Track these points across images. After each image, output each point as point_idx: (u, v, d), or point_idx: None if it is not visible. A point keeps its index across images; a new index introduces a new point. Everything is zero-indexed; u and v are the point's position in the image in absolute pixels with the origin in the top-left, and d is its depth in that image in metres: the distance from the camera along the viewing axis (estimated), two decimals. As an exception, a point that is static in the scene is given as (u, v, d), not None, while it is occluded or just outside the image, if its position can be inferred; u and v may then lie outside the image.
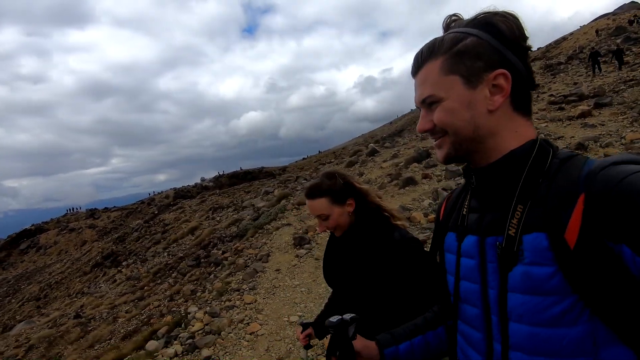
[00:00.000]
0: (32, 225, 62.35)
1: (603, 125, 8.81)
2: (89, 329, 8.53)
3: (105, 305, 10.07)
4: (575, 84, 15.75)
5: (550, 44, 50.78)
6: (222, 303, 5.99)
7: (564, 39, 45.80)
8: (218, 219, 16.22)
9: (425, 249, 1.34)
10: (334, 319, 0.87)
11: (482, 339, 0.72)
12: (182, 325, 5.71)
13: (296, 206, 9.81)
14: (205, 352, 4.64)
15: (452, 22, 0.76)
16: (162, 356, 4.95)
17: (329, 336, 0.88)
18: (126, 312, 8.65)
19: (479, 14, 0.71)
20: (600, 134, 8.28)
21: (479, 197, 0.76)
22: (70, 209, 72.00)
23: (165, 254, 15.12)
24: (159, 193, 73.75)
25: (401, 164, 10.41)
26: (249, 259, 7.55)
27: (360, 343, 0.90)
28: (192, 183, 71.67)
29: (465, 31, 0.70)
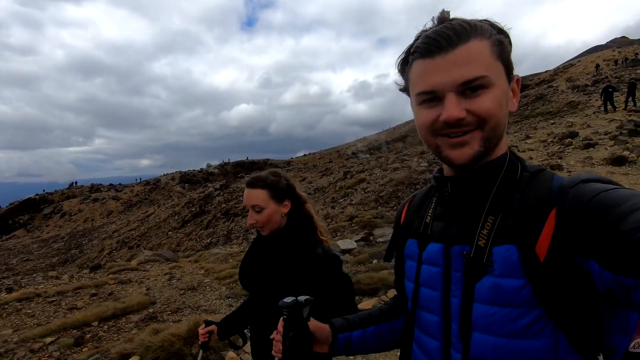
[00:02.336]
0: (37, 194, 64.39)
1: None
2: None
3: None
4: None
5: (558, 68, 52.54)
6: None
7: (571, 65, 47.64)
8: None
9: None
10: (288, 299, 0.83)
11: (439, 347, 0.71)
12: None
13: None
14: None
15: (447, 16, 0.67)
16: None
17: (281, 318, 0.84)
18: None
19: (488, 20, 0.67)
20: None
21: (448, 205, 0.75)
22: (73, 183, 73.34)
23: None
24: (163, 175, 75.14)
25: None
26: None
27: (314, 324, 0.85)
28: (175, 170, 73.34)
29: (492, 25, 0.66)
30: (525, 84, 47.39)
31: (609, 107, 16.56)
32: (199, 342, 1.55)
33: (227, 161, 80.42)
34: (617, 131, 11.80)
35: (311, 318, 0.86)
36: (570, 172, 8.90)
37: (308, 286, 1.22)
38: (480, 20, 0.66)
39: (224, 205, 25.19)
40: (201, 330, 1.53)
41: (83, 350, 4.36)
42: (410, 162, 15.42)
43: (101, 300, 6.46)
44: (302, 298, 0.84)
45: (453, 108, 0.61)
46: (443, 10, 0.68)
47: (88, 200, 54.61)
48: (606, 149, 10.54)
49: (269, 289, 1.31)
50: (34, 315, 5.92)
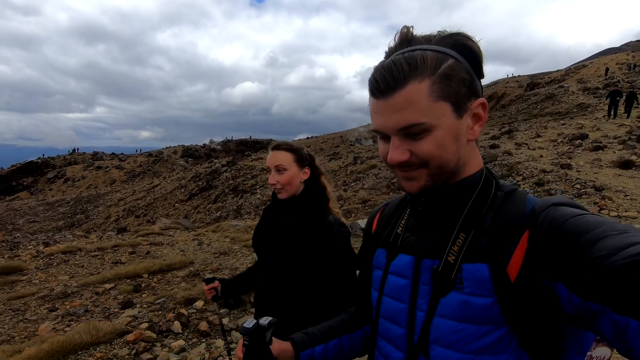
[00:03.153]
0: (39, 158, 64.81)
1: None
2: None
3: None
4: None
5: (569, 68, 52.35)
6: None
7: (583, 66, 47.47)
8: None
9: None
10: (249, 324, 0.79)
11: (403, 358, 0.71)
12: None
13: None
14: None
15: (410, 35, 0.67)
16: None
17: (240, 340, 0.79)
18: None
19: (446, 33, 0.65)
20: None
21: (420, 219, 0.74)
22: (75, 149, 73.56)
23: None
24: (166, 148, 75.37)
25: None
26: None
27: (276, 346, 0.82)
28: (177, 144, 73.74)
29: (445, 51, 0.63)
30: (536, 82, 47.27)
31: (613, 112, 16.61)
32: (209, 298, 1.66)
33: (230, 138, 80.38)
34: (626, 136, 12.21)
35: (273, 339, 0.83)
36: (579, 172, 9.37)
37: (318, 251, 1.31)
38: (440, 36, 0.65)
39: (231, 181, 25.68)
40: (205, 287, 1.63)
41: (142, 295, 4.90)
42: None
43: (140, 257, 6.99)
44: (264, 321, 0.80)
45: (394, 152, 0.64)
46: (404, 27, 0.67)
47: (91, 168, 55.02)
48: (614, 152, 10.98)
49: (281, 252, 1.38)
50: (83, 266, 6.46)
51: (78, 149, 76.56)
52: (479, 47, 0.65)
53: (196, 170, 34.07)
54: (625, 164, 9.50)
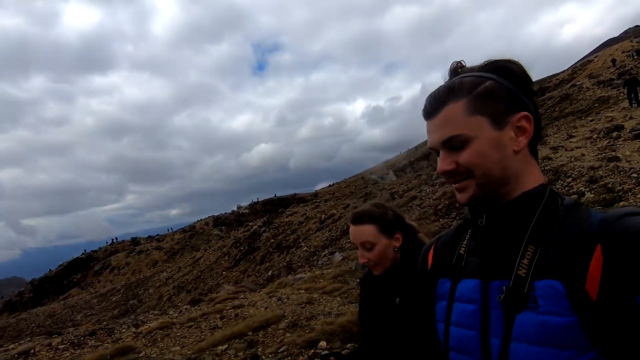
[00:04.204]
0: (82, 254, 68.31)
1: None
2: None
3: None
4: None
5: (575, 66, 52.66)
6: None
7: (589, 61, 47.75)
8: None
9: None
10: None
11: None
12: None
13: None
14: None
15: (459, 67, 0.76)
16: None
17: None
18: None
19: (491, 61, 0.73)
20: None
21: (483, 239, 0.73)
22: (114, 239, 77.07)
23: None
24: (197, 221, 78.14)
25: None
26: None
27: None
28: (207, 215, 76.14)
29: (483, 75, 0.71)
30: (545, 86, 47.47)
31: (635, 101, 16.26)
32: None
33: (256, 200, 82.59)
34: (662, 118, 12.19)
35: None
36: (629, 161, 9.38)
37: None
38: (483, 64, 0.74)
39: (272, 240, 26.27)
40: None
41: (258, 350, 5.23)
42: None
43: (232, 320, 7.36)
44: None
45: (442, 162, 0.71)
46: (454, 62, 0.77)
47: (133, 253, 57.36)
48: (657, 136, 10.96)
49: (392, 328, 1.22)
50: (185, 336, 6.88)
51: (117, 238, 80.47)
52: (520, 67, 0.72)
53: (235, 236, 35.06)
54: (674, 145, 9.46)
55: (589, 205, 8.42)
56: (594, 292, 0.56)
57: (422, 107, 0.75)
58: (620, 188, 8.17)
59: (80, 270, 58.62)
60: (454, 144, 0.69)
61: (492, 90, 0.70)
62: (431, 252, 0.88)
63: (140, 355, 6.22)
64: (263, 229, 30.82)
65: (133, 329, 8.53)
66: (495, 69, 0.72)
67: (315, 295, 7.92)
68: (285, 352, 4.69)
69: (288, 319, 6.45)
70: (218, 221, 72.61)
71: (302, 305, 7.28)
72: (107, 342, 7.64)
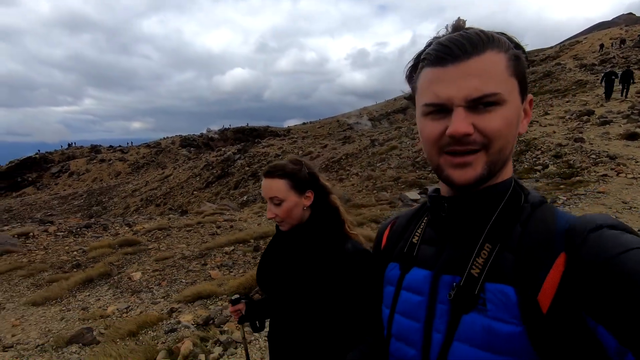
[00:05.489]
0: (36, 153, 65.20)
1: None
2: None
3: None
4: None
5: (563, 45, 53.48)
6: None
7: (577, 41, 48.67)
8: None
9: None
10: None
11: None
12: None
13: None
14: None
15: (464, 25, 0.63)
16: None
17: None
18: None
19: (504, 34, 0.62)
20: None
21: (441, 229, 0.68)
22: (71, 143, 73.54)
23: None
24: (163, 138, 75.69)
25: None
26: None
27: None
28: (170, 134, 73.79)
29: (509, 39, 0.61)
30: (531, 59, 48.24)
31: (609, 94, 16.33)
32: (235, 320, 1.54)
33: (227, 127, 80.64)
34: (629, 111, 13.48)
35: None
36: (592, 144, 10.62)
37: (335, 286, 1.12)
38: (498, 33, 0.61)
39: (247, 168, 26.75)
40: (231, 309, 1.49)
41: (264, 254, 6.06)
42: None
43: (227, 230, 8.12)
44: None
45: (461, 122, 0.56)
46: (459, 18, 0.64)
47: (95, 161, 55.54)
48: (620, 126, 12.22)
49: (291, 291, 1.20)
50: (187, 238, 7.57)
51: (75, 143, 76.62)
52: (524, 50, 0.63)
53: (207, 159, 34.96)
54: (632, 136, 10.78)
55: (549, 177, 9.71)
56: (546, 304, 0.53)
57: (435, 48, 0.60)
58: (579, 165, 9.46)
59: (34, 170, 56.35)
60: (484, 102, 0.57)
61: (521, 58, 0.61)
62: (387, 231, 0.84)
63: (150, 246, 6.87)
64: (238, 155, 31.01)
65: (126, 227, 9.09)
66: (512, 42, 0.62)
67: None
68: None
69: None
70: (186, 141, 70.87)
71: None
72: (106, 236, 8.18)
